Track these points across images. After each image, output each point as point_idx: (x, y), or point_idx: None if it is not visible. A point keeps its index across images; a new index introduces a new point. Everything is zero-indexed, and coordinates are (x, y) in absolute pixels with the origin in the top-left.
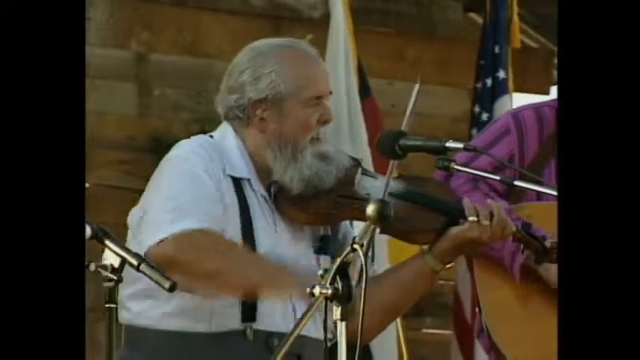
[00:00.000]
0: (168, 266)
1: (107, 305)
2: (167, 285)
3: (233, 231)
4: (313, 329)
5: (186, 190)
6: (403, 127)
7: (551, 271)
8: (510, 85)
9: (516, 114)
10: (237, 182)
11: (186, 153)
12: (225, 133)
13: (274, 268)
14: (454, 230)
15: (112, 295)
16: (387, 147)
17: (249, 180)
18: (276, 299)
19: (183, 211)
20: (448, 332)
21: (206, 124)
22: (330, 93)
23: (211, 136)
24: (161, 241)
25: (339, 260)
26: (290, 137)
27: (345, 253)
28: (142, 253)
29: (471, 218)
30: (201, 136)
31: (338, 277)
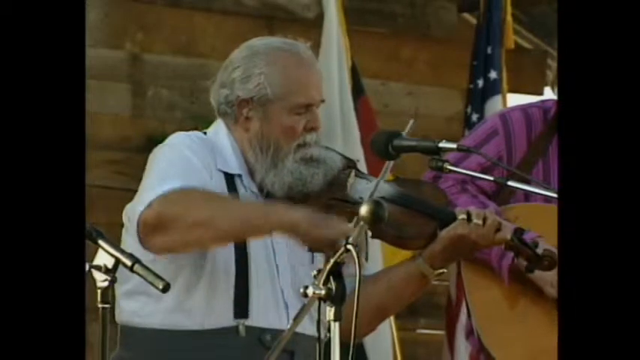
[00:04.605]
0: (160, 224)
1: (101, 306)
2: (161, 285)
3: None
4: (306, 325)
5: (175, 166)
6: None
7: (543, 277)
8: (504, 85)
9: (504, 115)
10: (228, 178)
11: (177, 142)
12: (218, 130)
13: (261, 204)
14: (443, 232)
15: (105, 296)
16: (381, 147)
17: (240, 176)
18: (267, 235)
19: (170, 177)
20: (442, 333)
21: (200, 124)
22: (323, 101)
23: (205, 133)
24: (149, 204)
25: (332, 261)
26: (271, 141)
27: (338, 253)
28: (134, 231)
29: (461, 216)
30: (193, 132)
31: (331, 278)
